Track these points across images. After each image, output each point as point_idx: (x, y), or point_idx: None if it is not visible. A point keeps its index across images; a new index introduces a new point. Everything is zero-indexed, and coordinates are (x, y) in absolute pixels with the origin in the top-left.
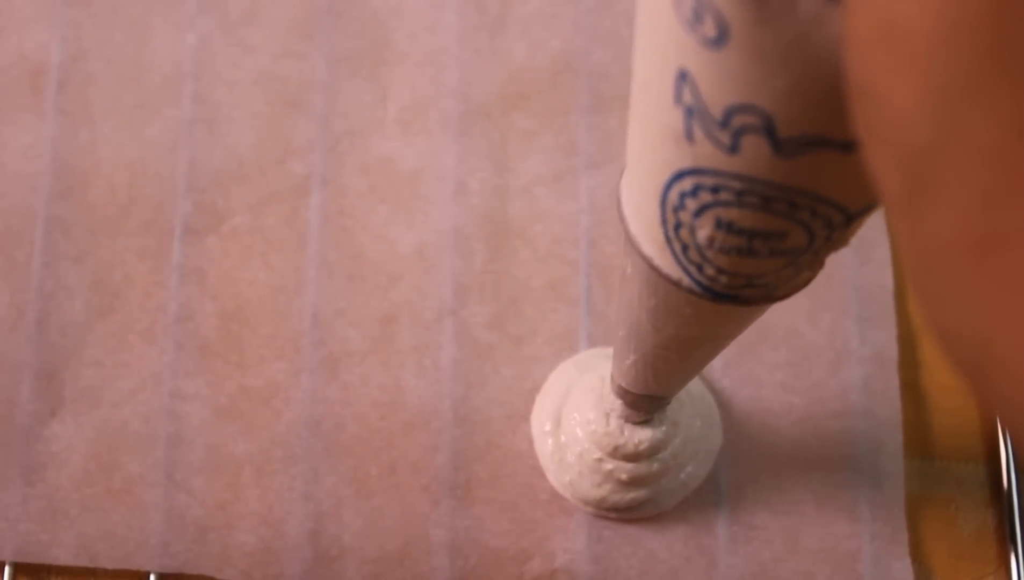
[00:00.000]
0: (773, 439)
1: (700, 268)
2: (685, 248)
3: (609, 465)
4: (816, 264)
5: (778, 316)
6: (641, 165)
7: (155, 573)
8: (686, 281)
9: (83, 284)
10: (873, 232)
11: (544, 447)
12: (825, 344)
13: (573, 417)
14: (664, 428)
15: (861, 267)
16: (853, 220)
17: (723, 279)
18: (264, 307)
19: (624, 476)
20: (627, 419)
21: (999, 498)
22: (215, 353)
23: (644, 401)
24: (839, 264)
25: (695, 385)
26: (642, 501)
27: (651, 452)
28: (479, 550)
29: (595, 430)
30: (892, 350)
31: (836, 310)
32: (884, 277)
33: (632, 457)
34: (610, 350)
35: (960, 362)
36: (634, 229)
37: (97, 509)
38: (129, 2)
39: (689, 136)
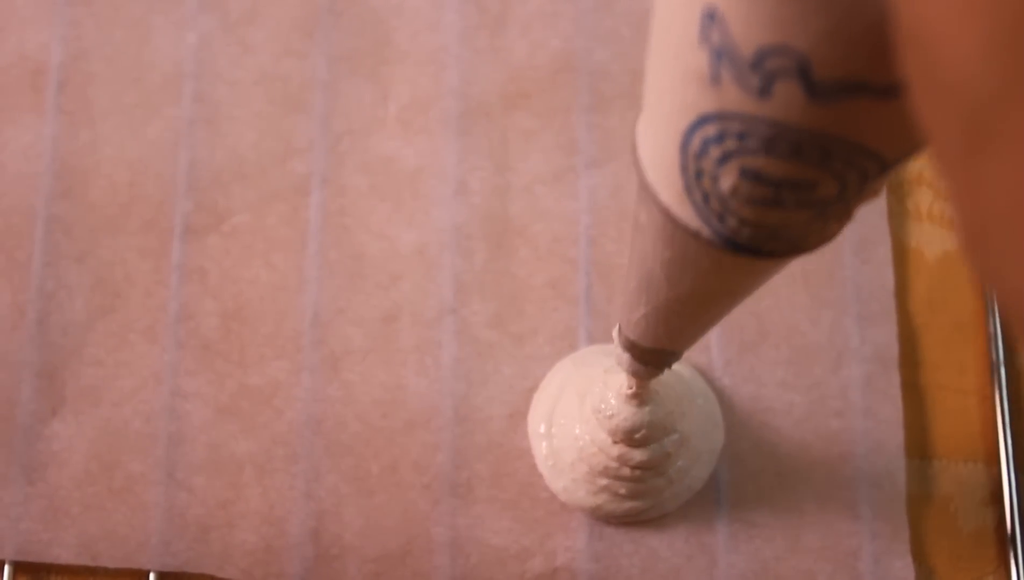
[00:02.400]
0: (774, 438)
1: (722, 219)
2: (706, 197)
3: (603, 481)
4: (845, 216)
5: (779, 314)
6: (660, 109)
7: (156, 572)
8: (706, 232)
9: (84, 283)
10: (873, 232)
11: (539, 449)
12: (826, 343)
13: (561, 423)
14: (662, 447)
15: (862, 266)
16: (889, 169)
17: (746, 231)
18: (265, 306)
19: (622, 490)
20: (636, 374)
21: (999, 498)
22: (216, 352)
23: (653, 355)
24: (839, 263)
25: (697, 384)
26: (641, 510)
27: (651, 475)
28: (480, 548)
29: (582, 447)
30: (893, 349)
31: (837, 309)
32: (885, 276)
33: (628, 478)
34: (610, 347)
35: None
36: (651, 177)
37: (98, 508)
38: (130, 1)
39: (715, 79)
